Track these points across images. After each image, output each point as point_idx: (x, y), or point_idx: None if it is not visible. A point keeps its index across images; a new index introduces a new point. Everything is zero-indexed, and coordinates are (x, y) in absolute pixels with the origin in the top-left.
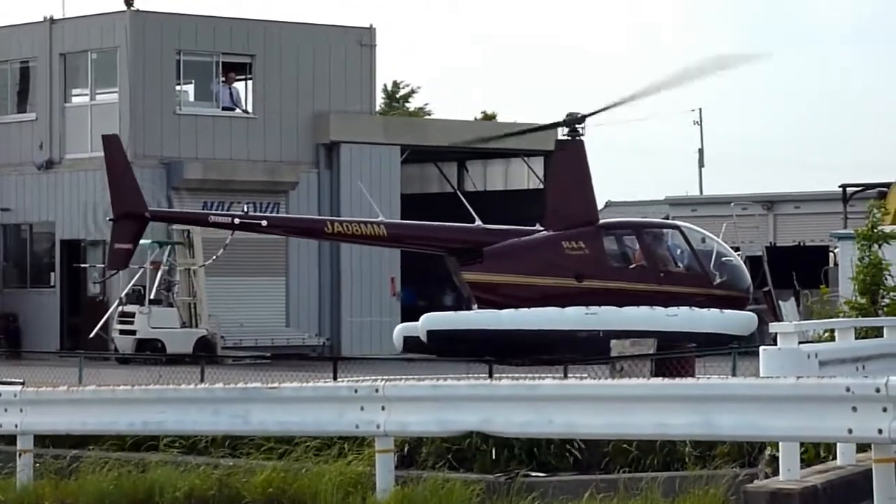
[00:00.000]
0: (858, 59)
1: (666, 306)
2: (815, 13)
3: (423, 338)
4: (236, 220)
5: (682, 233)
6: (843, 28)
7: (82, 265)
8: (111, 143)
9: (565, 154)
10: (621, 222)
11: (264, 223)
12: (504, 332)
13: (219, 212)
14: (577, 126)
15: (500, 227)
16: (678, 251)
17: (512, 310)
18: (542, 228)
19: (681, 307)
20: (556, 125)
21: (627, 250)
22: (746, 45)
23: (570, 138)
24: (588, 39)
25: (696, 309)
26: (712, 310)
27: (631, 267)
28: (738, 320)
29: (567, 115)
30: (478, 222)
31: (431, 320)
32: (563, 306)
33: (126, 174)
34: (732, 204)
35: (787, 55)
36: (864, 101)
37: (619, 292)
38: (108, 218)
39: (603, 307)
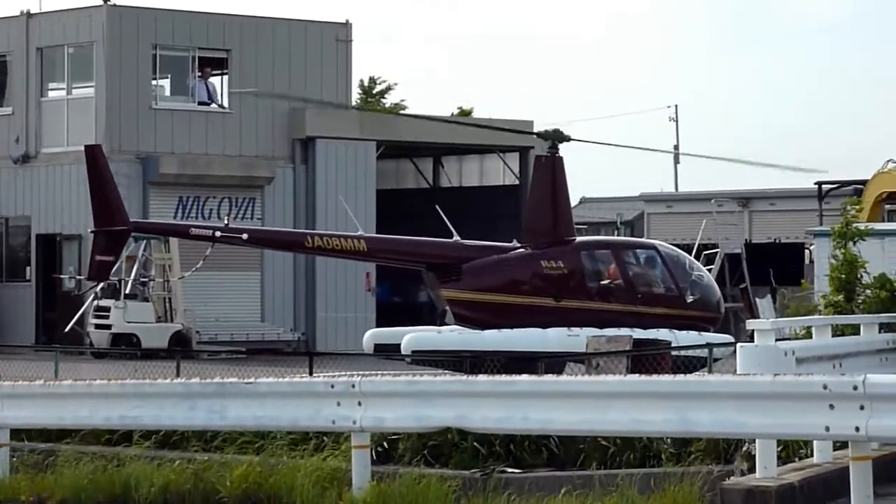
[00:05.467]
0: (835, 58)
1: (643, 327)
2: (792, 11)
3: (408, 359)
4: (217, 234)
5: (658, 252)
6: (821, 25)
7: (60, 276)
8: (93, 154)
9: (543, 170)
10: (599, 241)
11: (245, 236)
12: (487, 354)
13: (199, 223)
14: (557, 142)
15: (479, 243)
16: (655, 271)
17: (495, 331)
18: (518, 245)
19: (660, 329)
20: (537, 134)
21: (604, 269)
22: (723, 37)
23: (548, 154)
24: (564, 32)
25: (675, 331)
26: (691, 332)
27: (607, 286)
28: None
29: (549, 130)
30: (455, 237)
31: (415, 341)
32: (542, 325)
33: (109, 184)
34: (713, 201)
35: (764, 52)
36: (839, 98)
37: (595, 312)
38: (89, 230)
39: (584, 329)
